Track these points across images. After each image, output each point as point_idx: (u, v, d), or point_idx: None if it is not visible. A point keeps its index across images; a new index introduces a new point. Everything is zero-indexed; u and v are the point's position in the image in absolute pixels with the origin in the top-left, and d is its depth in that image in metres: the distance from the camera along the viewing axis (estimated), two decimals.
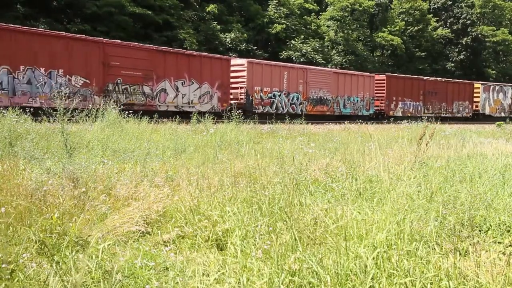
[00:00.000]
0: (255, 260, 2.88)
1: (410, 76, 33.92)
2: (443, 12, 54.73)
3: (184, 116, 18.57)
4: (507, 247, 3.58)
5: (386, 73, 31.98)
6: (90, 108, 11.08)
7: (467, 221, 3.66)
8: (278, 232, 3.34)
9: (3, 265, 2.59)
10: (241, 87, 22.70)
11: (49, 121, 9.14)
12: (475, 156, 7.24)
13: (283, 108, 24.36)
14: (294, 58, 37.35)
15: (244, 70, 22.57)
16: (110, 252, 3.19)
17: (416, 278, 2.63)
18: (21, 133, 7.74)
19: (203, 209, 4.00)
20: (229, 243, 3.31)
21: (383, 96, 29.70)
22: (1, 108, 9.94)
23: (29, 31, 16.18)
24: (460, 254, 3.11)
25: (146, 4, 30.19)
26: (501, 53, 55.50)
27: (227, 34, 34.73)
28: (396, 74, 33.36)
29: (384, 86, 29.66)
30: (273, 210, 3.74)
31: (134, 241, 3.55)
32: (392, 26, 48.20)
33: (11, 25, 16.51)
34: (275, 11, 39.27)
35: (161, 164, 6.08)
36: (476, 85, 36.33)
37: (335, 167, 5.75)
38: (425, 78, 33.59)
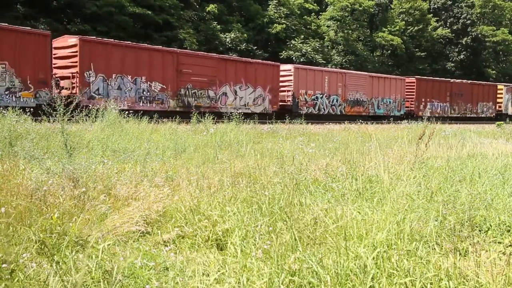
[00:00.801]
0: (255, 260, 2.87)
1: (438, 78, 35.83)
2: (443, 12, 54.74)
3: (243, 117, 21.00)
4: (507, 247, 3.58)
5: (416, 76, 33.88)
6: (167, 110, 13.66)
7: (467, 221, 3.66)
8: (278, 232, 3.34)
9: (3, 265, 2.58)
10: (288, 90, 25.03)
11: (49, 121, 9.15)
12: (475, 156, 7.24)
13: (324, 109, 26.62)
14: (294, 58, 37.36)
15: (291, 75, 24.91)
16: (110, 252, 3.19)
17: (416, 278, 2.63)
18: (21, 133, 7.74)
19: (203, 209, 3.99)
20: (229, 243, 3.31)
21: (413, 98, 31.71)
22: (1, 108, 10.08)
23: (120, 44, 18.86)
24: (460, 254, 3.11)
25: (146, 4, 30.18)
26: (501, 53, 55.52)
27: (227, 34, 34.73)
28: (425, 77, 35.08)
29: (414, 88, 31.68)
30: (273, 210, 3.74)
31: (134, 241, 3.55)
32: (392, 26, 48.20)
33: (106, 39, 19.75)
34: (275, 11, 39.27)
35: (161, 164, 6.08)
36: (499, 87, 37.94)
37: (335, 167, 5.75)
38: (452, 80, 35.40)
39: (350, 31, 44.50)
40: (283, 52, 37.91)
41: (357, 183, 4.46)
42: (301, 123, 15.70)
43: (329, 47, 43.52)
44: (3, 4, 25.24)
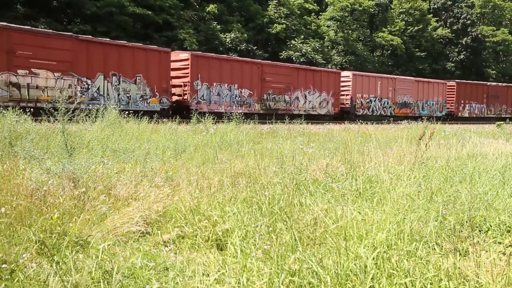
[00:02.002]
0: (255, 260, 2.87)
1: (476, 82, 38.85)
2: (443, 12, 54.72)
3: (308, 118, 24.44)
4: (507, 247, 3.58)
5: (456, 80, 36.94)
6: (253, 112, 20.37)
7: (467, 221, 3.66)
8: (278, 232, 3.33)
9: (3, 265, 2.59)
10: (347, 94, 28.49)
11: (49, 121, 9.15)
12: (475, 156, 7.24)
13: (377, 111, 30.10)
14: (294, 58, 37.35)
15: (350, 81, 28.43)
16: (110, 252, 3.19)
17: (416, 278, 2.63)
18: (21, 133, 7.74)
19: (203, 209, 3.99)
20: (229, 243, 3.31)
21: (453, 100, 35.11)
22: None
23: (219, 58, 22.70)
24: (460, 254, 3.11)
25: (146, 4, 30.16)
26: (501, 53, 55.49)
27: (227, 34, 34.72)
28: (464, 81, 38.12)
29: (454, 91, 35.02)
30: (273, 210, 3.74)
31: (134, 241, 3.55)
32: (392, 26, 48.17)
33: (208, 53, 23.56)
34: (275, 11, 39.25)
35: (161, 164, 6.08)
36: None
37: (335, 167, 5.75)
38: (488, 83, 38.88)
39: (350, 31, 44.48)
40: (283, 52, 37.90)
41: (357, 183, 4.46)
42: (301, 123, 15.67)
43: (329, 47, 43.50)
44: (3, 4, 25.23)
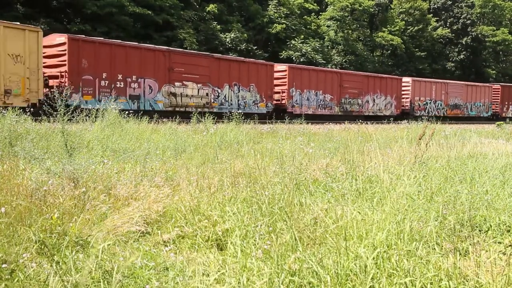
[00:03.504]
0: (255, 260, 2.87)
1: None
2: (443, 12, 54.72)
3: (375, 118, 29.46)
4: (507, 247, 3.58)
5: (501, 83, 41.18)
6: (333, 114, 26.80)
7: (467, 221, 3.66)
8: (278, 232, 3.33)
9: (3, 265, 2.59)
10: (407, 98, 32.71)
11: (49, 121, 9.15)
12: (475, 156, 7.23)
13: (431, 112, 33.76)
14: (294, 58, 37.35)
15: (409, 86, 32.60)
16: (110, 252, 3.19)
17: (416, 278, 2.63)
18: (21, 133, 7.74)
19: (203, 209, 3.99)
20: (229, 243, 3.31)
21: (498, 101, 39.01)
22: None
23: (307, 68, 27.43)
24: (460, 254, 3.11)
25: (146, 4, 30.15)
26: (501, 53, 55.51)
27: (227, 34, 34.72)
28: (508, 84, 42.28)
29: (499, 93, 38.84)
30: (273, 210, 3.74)
31: (134, 241, 3.55)
32: (392, 26, 48.17)
33: (300, 65, 30.51)
34: (275, 11, 39.25)
35: (161, 164, 6.07)
36: None
37: (335, 167, 5.75)
38: None
39: (350, 31, 44.49)
40: (283, 52, 37.90)
41: (357, 183, 4.46)
42: (300, 123, 15.66)
43: (329, 47, 43.50)
44: (3, 4, 25.23)
